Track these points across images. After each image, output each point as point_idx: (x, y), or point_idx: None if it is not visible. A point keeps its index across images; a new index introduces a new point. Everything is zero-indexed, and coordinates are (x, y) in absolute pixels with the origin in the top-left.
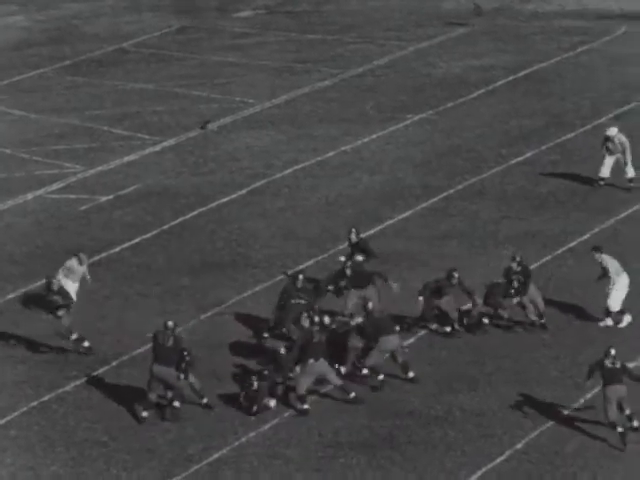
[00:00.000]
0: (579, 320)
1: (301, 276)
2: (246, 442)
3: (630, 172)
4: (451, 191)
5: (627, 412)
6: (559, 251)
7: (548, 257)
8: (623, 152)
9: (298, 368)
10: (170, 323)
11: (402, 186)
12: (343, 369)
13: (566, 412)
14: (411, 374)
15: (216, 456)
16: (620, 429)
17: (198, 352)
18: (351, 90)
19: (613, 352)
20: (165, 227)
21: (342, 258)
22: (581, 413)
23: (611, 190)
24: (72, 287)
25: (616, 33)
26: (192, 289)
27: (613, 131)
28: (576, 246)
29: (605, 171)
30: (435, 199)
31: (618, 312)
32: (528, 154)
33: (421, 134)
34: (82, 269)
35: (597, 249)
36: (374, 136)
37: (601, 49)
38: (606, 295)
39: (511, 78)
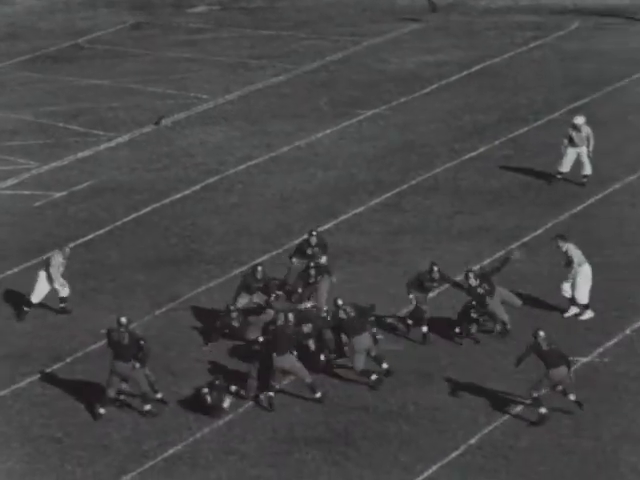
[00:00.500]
0: (533, 314)
1: (260, 267)
2: (201, 438)
3: (588, 169)
4: (404, 186)
5: (572, 398)
6: (513, 246)
7: (502, 252)
8: (587, 144)
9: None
10: (123, 319)
11: (356, 181)
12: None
13: (520, 407)
14: (385, 365)
15: (171, 452)
16: (543, 410)
17: (153, 348)
18: (305, 86)
19: (542, 334)
20: (119, 223)
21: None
22: (535, 407)
23: (565, 185)
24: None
25: (569, 28)
26: (146, 285)
27: (581, 119)
28: (530, 241)
29: (566, 165)
30: (388, 194)
31: (584, 305)
32: (481, 149)
33: (375, 129)
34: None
35: (562, 237)
36: (328, 131)
37: (554, 44)
38: (565, 286)
39: (464, 73)
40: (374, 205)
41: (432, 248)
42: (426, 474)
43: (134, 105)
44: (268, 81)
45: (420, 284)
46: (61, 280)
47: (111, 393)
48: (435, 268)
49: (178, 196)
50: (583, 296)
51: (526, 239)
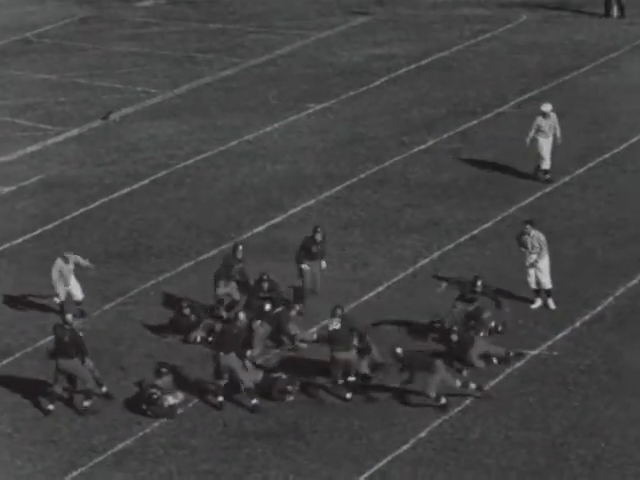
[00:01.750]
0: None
1: (241, 246)
2: (150, 432)
3: (547, 164)
4: (354, 180)
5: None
6: (461, 239)
7: (451, 245)
8: (554, 132)
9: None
10: (69, 317)
11: (305, 175)
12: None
13: (469, 400)
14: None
15: (121, 446)
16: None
17: (102, 343)
18: (253, 80)
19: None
20: (68, 218)
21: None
22: (484, 399)
23: (513, 178)
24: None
25: (517, 21)
26: (95, 280)
27: (548, 107)
28: (478, 234)
29: (547, 161)
30: (338, 188)
31: (536, 292)
32: (430, 142)
33: (323, 123)
34: (69, 267)
35: (531, 223)
36: (276, 125)
37: (502, 37)
38: (531, 278)
39: (413, 67)
40: (323, 199)
41: (381, 242)
42: (376, 467)
43: (82, 100)
44: (216, 75)
45: (462, 296)
46: (59, 286)
47: (58, 389)
48: (479, 282)
49: (127, 191)
50: (548, 281)
51: (475, 232)
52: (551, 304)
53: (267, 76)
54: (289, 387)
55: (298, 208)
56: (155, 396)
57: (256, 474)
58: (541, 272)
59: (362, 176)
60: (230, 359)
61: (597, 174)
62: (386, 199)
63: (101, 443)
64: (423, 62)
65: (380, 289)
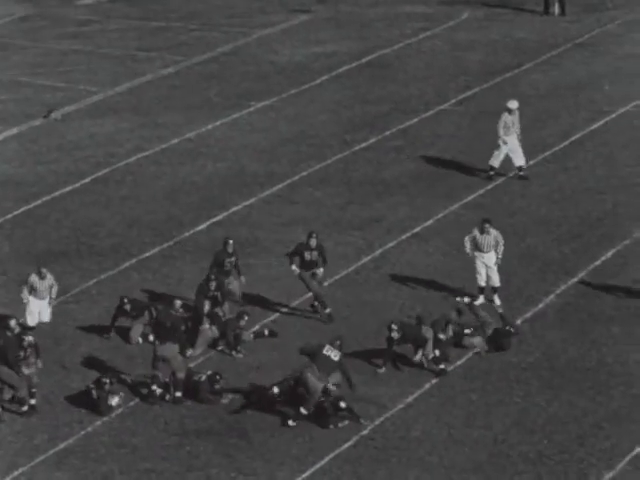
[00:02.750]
0: (424, 305)
1: (231, 241)
2: (92, 431)
3: (521, 160)
4: (295, 178)
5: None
6: (403, 237)
7: (392, 243)
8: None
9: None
10: (12, 322)
11: (246, 173)
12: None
13: (412, 397)
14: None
15: (62, 446)
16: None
17: (44, 341)
18: (195, 77)
19: (395, 326)
20: (9, 216)
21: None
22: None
23: (455, 175)
24: (38, 304)
25: (458, 19)
26: None
27: (514, 104)
28: (420, 231)
29: (519, 159)
30: (280, 186)
31: (480, 289)
32: (372, 140)
33: (265, 121)
34: (45, 284)
35: (489, 222)
36: (218, 123)
37: (443, 35)
38: (484, 276)
39: (354, 65)
40: (265, 197)
41: (323, 239)
42: (318, 465)
43: (23, 98)
44: (157, 73)
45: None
46: (27, 300)
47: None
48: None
49: (68, 189)
50: (498, 279)
51: (417, 229)
52: (497, 300)
53: (209, 74)
54: (216, 386)
55: (240, 206)
56: (98, 395)
57: (198, 472)
58: (492, 270)
59: (304, 174)
60: (164, 349)
61: (539, 171)
62: (328, 197)
63: (43, 442)
64: (364, 60)
65: (323, 285)
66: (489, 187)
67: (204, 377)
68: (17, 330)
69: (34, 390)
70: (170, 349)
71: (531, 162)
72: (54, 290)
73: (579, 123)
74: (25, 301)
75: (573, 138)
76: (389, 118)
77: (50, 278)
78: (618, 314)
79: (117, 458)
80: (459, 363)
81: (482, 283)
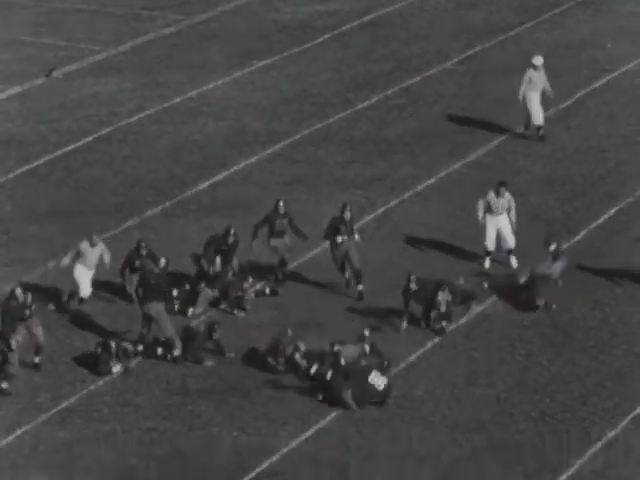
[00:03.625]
0: (426, 263)
1: (282, 202)
2: (95, 390)
3: (540, 119)
4: (297, 136)
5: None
6: (406, 195)
7: (395, 201)
8: (544, 86)
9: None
10: (18, 291)
11: (248, 132)
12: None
13: (415, 356)
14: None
15: (65, 405)
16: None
17: (46, 301)
18: (196, 36)
19: (413, 277)
20: (11, 175)
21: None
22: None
23: (456, 134)
24: (81, 271)
25: None
26: (39, 237)
27: (540, 60)
28: (423, 190)
29: (538, 116)
30: (281, 145)
31: (487, 253)
32: (374, 99)
33: (267, 80)
34: (96, 251)
35: (505, 184)
36: (220, 82)
37: None
38: (508, 239)
39: (357, 23)
40: (267, 156)
41: (326, 198)
42: (321, 424)
43: (25, 57)
44: (160, 32)
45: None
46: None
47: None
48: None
49: (71, 148)
50: (512, 241)
51: (419, 188)
52: (514, 262)
53: (210, 33)
54: (215, 335)
55: (241, 165)
56: (101, 356)
57: (200, 431)
58: (506, 232)
59: (306, 133)
60: (150, 308)
61: (530, 133)
62: (330, 156)
63: (45, 401)
64: (367, 18)
65: (326, 245)
66: (491, 146)
67: (203, 327)
68: (22, 299)
69: (41, 345)
70: (155, 308)
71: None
72: (107, 257)
73: (581, 82)
74: (65, 264)
75: (576, 97)
76: (391, 77)
77: (101, 246)
78: (621, 273)
79: (120, 417)
80: (461, 322)
81: (491, 247)
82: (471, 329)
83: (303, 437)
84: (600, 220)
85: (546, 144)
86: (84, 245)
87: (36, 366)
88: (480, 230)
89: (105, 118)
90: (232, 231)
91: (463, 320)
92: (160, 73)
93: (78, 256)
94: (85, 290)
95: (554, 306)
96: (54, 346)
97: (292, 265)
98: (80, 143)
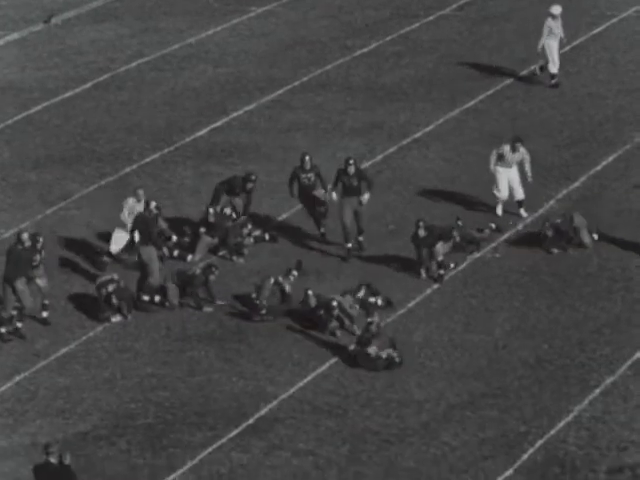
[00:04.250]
0: (425, 209)
1: (307, 157)
2: (94, 336)
3: (556, 67)
4: (296, 83)
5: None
6: (404, 142)
7: (394, 148)
8: (561, 35)
9: None
10: (25, 236)
11: (247, 78)
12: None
13: (413, 302)
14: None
15: (64, 350)
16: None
17: (45, 246)
18: None
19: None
20: (9, 122)
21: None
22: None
23: (455, 81)
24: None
25: None
26: (38, 184)
27: (558, 9)
28: (421, 137)
29: (556, 64)
30: (280, 91)
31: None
32: (373, 45)
33: (265, 26)
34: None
35: (521, 140)
36: (218, 28)
37: None
38: (516, 189)
39: None
40: (265, 102)
41: (324, 145)
42: (319, 370)
43: (23, 3)
44: None
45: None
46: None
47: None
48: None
49: (69, 94)
50: (522, 192)
51: (418, 135)
52: (523, 213)
53: None
54: (211, 277)
55: (240, 112)
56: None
57: (199, 377)
58: (516, 183)
59: (304, 79)
60: (144, 251)
61: (540, 76)
62: (329, 102)
63: (44, 347)
64: None
65: (323, 191)
66: (490, 92)
67: (198, 270)
68: (28, 244)
69: (46, 302)
70: (146, 252)
71: (532, 67)
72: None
73: (581, 28)
74: (124, 219)
75: (575, 43)
76: (390, 23)
77: (151, 203)
78: (619, 219)
79: (119, 363)
80: (459, 268)
81: (503, 198)
82: (469, 276)
83: (301, 383)
84: (598, 167)
85: (544, 90)
86: (131, 201)
87: (44, 321)
88: (490, 179)
89: (103, 65)
90: (253, 177)
91: (461, 267)
92: (158, 19)
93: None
94: (115, 247)
95: (555, 251)
96: (53, 291)
97: (292, 212)
98: (78, 90)
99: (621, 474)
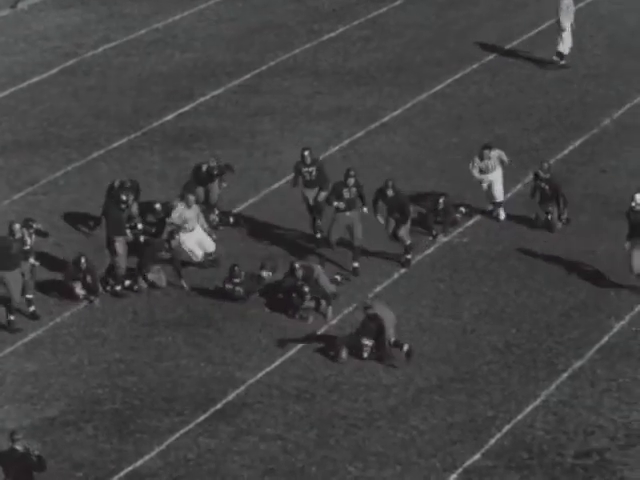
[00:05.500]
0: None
1: (307, 152)
2: (61, 322)
3: (567, 47)
4: (263, 67)
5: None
6: (372, 126)
7: (361, 132)
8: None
9: None
10: (17, 226)
11: (214, 63)
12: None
13: (381, 287)
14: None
15: (32, 336)
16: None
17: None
18: None
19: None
20: None
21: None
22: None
23: (422, 65)
24: (186, 237)
25: None
26: (4, 169)
27: None
28: (388, 121)
29: (569, 45)
30: (247, 76)
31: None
32: (340, 29)
33: (232, 11)
34: (193, 211)
35: (489, 147)
36: (185, 13)
37: None
38: (493, 191)
39: None
40: (232, 87)
41: (291, 129)
42: (287, 356)
43: None
44: None
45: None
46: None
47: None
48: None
49: (36, 80)
50: (501, 194)
51: (385, 119)
52: (502, 214)
53: None
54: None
55: (207, 96)
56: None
57: (167, 362)
58: (497, 183)
59: (272, 64)
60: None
61: (506, 61)
62: (296, 87)
63: (10, 335)
64: None
65: (290, 177)
66: (457, 76)
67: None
68: (19, 235)
69: (30, 296)
70: (120, 240)
71: (499, 51)
72: (202, 219)
73: (547, 12)
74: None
75: (541, 28)
76: (357, 7)
77: (196, 207)
78: (587, 203)
79: (86, 348)
80: (427, 252)
81: (497, 198)
82: (437, 260)
83: (269, 368)
84: (566, 151)
85: (511, 74)
86: (180, 207)
87: (33, 315)
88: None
89: (70, 50)
90: (213, 163)
91: (429, 251)
92: (125, 4)
93: (181, 222)
94: (209, 244)
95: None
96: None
97: (258, 197)
98: (45, 75)
99: (588, 458)
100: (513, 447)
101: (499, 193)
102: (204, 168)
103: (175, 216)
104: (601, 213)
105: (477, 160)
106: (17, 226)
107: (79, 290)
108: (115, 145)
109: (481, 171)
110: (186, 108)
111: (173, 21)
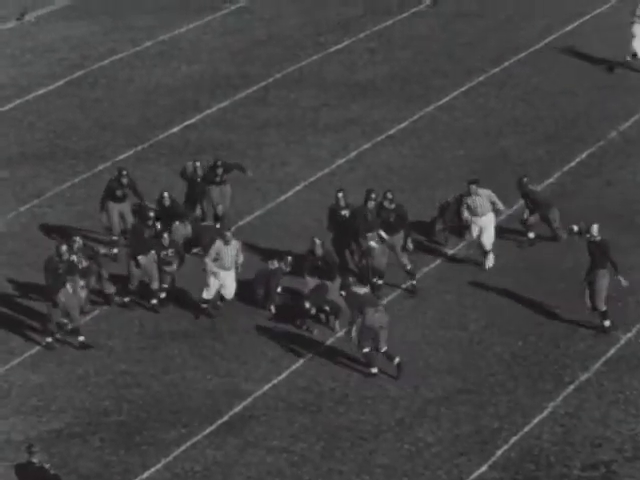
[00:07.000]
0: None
1: (341, 194)
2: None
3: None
4: (269, 80)
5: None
6: (378, 139)
7: (367, 145)
8: None
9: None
10: (63, 248)
11: (220, 75)
12: None
13: (387, 300)
14: None
15: (38, 348)
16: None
17: (18, 244)
18: None
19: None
20: None
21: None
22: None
23: (429, 77)
24: (223, 275)
25: None
26: (11, 181)
27: None
28: (395, 133)
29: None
30: (254, 88)
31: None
32: (347, 42)
33: (239, 23)
34: (231, 250)
35: (475, 182)
36: (191, 26)
37: None
38: (483, 238)
39: None
40: (239, 99)
41: (298, 141)
42: (293, 367)
43: None
44: None
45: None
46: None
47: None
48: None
49: (42, 92)
50: (490, 243)
51: (391, 131)
52: (490, 262)
53: None
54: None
55: (214, 109)
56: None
57: (173, 374)
58: (488, 231)
59: (278, 76)
60: (144, 260)
61: (513, 73)
62: (303, 99)
63: (18, 345)
64: None
65: (297, 188)
66: (464, 88)
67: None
68: (66, 257)
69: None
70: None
71: (506, 63)
72: (241, 258)
73: (554, 25)
74: (211, 270)
75: (547, 40)
76: (363, 19)
77: (236, 244)
78: (592, 216)
79: (92, 360)
80: (433, 265)
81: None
82: (443, 272)
83: (276, 380)
84: (572, 163)
85: (517, 86)
86: (218, 244)
87: (83, 345)
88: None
89: (76, 62)
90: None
91: (435, 264)
92: (131, 17)
93: (215, 257)
94: (230, 291)
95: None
96: (27, 287)
97: (265, 209)
98: (51, 87)
99: (595, 470)
100: (520, 459)
101: (488, 242)
102: (190, 168)
103: (212, 252)
104: (607, 226)
105: (465, 198)
106: (64, 248)
107: (83, 295)
108: (121, 157)
109: (470, 209)
110: (192, 120)
111: (179, 33)
